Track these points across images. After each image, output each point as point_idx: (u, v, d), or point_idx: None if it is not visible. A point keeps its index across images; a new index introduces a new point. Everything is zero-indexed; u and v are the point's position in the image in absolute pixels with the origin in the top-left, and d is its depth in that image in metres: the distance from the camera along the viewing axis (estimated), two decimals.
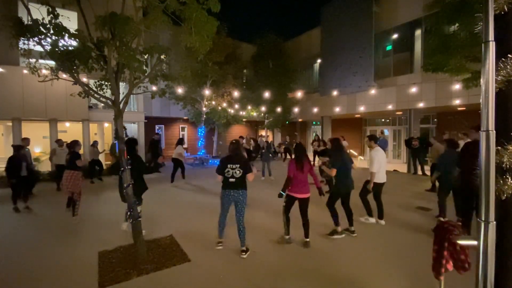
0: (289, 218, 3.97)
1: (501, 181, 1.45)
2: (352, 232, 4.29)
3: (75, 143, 5.59)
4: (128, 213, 3.47)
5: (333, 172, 4.21)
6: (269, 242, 4.02)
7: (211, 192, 7.29)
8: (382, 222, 4.81)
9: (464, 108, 10.84)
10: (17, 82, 9.15)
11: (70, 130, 12.58)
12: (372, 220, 4.89)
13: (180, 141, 8.60)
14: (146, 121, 12.90)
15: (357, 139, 15.98)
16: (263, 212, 5.48)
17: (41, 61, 3.37)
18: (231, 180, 3.59)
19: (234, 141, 3.83)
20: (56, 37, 3.14)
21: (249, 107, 15.03)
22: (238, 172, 3.59)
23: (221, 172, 3.67)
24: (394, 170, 10.59)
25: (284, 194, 3.89)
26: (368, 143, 4.85)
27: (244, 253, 3.58)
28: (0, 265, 3.43)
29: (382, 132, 11.90)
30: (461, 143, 8.27)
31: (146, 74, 3.62)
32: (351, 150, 8.20)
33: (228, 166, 3.63)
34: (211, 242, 3.97)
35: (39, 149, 11.32)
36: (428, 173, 9.68)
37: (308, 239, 3.90)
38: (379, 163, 4.58)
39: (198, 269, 3.29)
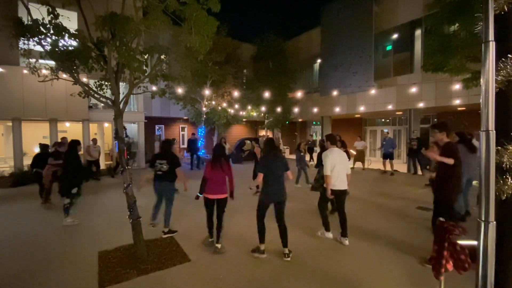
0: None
1: (501, 181, 1.45)
2: (285, 255, 3.53)
3: (61, 143, 6.44)
4: (129, 213, 3.48)
5: (259, 178, 3.62)
6: (270, 243, 4.02)
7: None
8: (346, 241, 3.95)
9: (464, 108, 10.84)
10: (17, 82, 9.15)
11: (70, 130, 12.58)
12: (329, 235, 4.18)
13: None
14: (146, 121, 12.90)
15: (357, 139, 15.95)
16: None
17: (41, 61, 3.37)
18: (159, 173, 4.31)
19: (166, 140, 4.73)
20: (56, 37, 3.15)
21: (249, 107, 15.03)
22: (165, 166, 4.28)
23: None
24: (395, 170, 10.60)
25: (200, 195, 3.85)
26: (326, 143, 4.31)
27: (164, 233, 4.24)
28: (0, 264, 3.44)
29: (388, 133, 11.92)
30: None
31: (146, 74, 3.62)
32: (351, 150, 8.19)
33: (157, 161, 4.32)
34: (211, 242, 3.98)
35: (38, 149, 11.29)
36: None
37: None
38: (332, 165, 3.93)
39: (198, 269, 3.29)
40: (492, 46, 1.31)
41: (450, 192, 3.45)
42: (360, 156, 11.34)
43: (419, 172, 9.91)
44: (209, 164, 3.84)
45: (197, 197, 3.89)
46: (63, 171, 5.09)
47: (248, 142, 14.95)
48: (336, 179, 3.95)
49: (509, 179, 1.44)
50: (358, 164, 11.39)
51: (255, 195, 6.66)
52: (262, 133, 17.86)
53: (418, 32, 11.44)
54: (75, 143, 5.13)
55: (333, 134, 4.47)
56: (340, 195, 4.03)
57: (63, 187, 4.96)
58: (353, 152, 9.50)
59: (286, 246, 3.58)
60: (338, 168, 3.96)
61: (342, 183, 3.99)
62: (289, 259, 3.49)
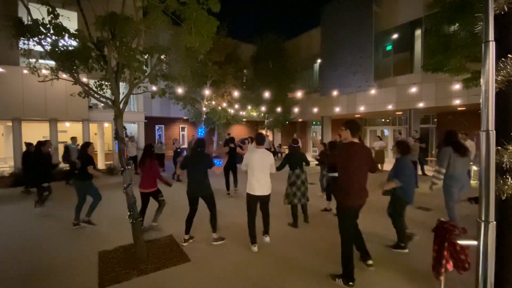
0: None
1: (501, 181, 1.45)
2: (214, 240, 3.84)
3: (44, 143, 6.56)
4: (129, 213, 3.48)
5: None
6: (270, 243, 4.02)
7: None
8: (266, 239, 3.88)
9: (464, 108, 10.84)
10: (17, 82, 9.15)
11: (70, 130, 12.58)
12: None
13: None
14: (146, 121, 12.90)
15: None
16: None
17: (41, 61, 3.36)
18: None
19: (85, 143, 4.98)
20: (56, 37, 3.15)
21: (249, 107, 15.03)
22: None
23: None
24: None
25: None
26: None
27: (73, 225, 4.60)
28: (0, 264, 3.44)
29: (400, 133, 11.80)
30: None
31: (146, 74, 3.61)
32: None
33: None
34: (211, 242, 3.97)
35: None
36: (428, 173, 9.72)
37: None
38: (251, 168, 3.70)
39: (198, 269, 3.29)
40: (492, 46, 1.31)
41: (335, 193, 3.29)
42: (379, 157, 10.54)
43: (419, 172, 9.91)
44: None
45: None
46: (31, 168, 5.99)
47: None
48: (253, 182, 3.70)
49: (509, 179, 1.44)
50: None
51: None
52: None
53: (418, 32, 11.45)
54: (40, 144, 6.06)
55: (260, 133, 4.13)
56: (254, 199, 3.78)
57: (31, 181, 6.13)
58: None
59: (267, 233, 3.96)
60: (256, 169, 3.68)
61: (260, 188, 3.71)
62: (267, 239, 3.93)
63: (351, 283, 2.83)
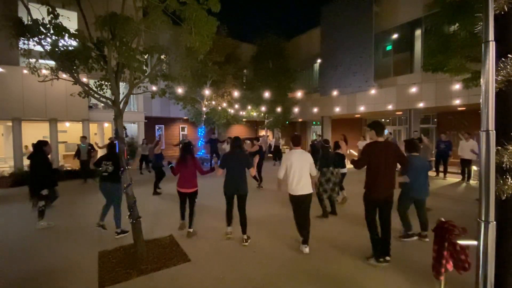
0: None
1: (501, 181, 1.45)
2: (244, 240, 3.92)
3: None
4: (129, 213, 3.48)
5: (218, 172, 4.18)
6: (270, 243, 4.02)
7: (210, 192, 7.28)
8: (306, 249, 3.66)
9: (464, 108, 10.84)
10: (17, 82, 9.15)
11: (70, 130, 12.58)
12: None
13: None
14: (146, 121, 12.90)
15: (357, 139, 15.95)
16: (269, 211, 5.48)
17: (41, 61, 3.37)
18: (104, 174, 4.37)
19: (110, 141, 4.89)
20: (56, 37, 3.15)
21: (249, 107, 15.02)
22: (110, 168, 4.35)
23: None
24: (396, 170, 10.59)
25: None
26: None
27: (117, 234, 4.28)
28: (0, 264, 3.44)
29: (391, 133, 11.87)
30: (464, 143, 8.36)
31: (146, 74, 3.61)
32: (351, 150, 8.18)
33: (103, 163, 4.39)
34: (211, 242, 3.98)
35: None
36: (432, 173, 9.69)
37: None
38: (287, 167, 3.72)
39: (198, 269, 3.29)
40: (492, 46, 1.31)
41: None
42: None
43: None
44: (178, 161, 4.37)
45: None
46: (30, 172, 5.00)
47: (248, 142, 14.95)
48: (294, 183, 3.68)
49: (509, 179, 1.44)
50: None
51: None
52: (262, 133, 17.86)
53: (418, 32, 11.44)
54: (41, 144, 4.95)
55: (297, 134, 4.12)
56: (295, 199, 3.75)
57: (31, 188, 4.89)
58: (353, 152, 9.51)
59: (245, 233, 4.00)
60: (296, 171, 3.66)
61: (301, 187, 3.68)
62: (247, 243, 3.92)
63: (381, 260, 3.30)
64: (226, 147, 7.73)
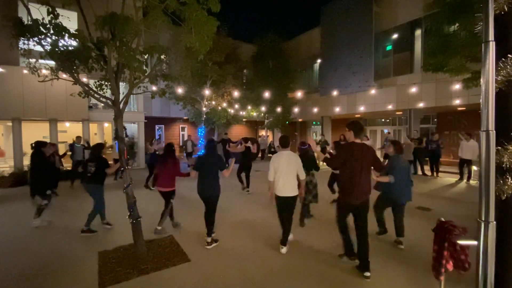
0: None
1: (501, 181, 1.45)
2: (208, 243, 3.83)
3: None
4: (129, 213, 3.49)
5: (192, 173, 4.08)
6: (270, 243, 4.02)
7: None
8: (283, 250, 3.66)
9: (464, 108, 10.84)
10: (17, 82, 9.15)
11: (70, 130, 12.57)
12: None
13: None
14: (146, 121, 12.89)
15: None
16: (267, 213, 5.48)
17: (41, 61, 3.37)
18: (88, 175, 4.44)
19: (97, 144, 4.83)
20: (56, 37, 3.15)
21: (249, 107, 15.02)
22: (92, 169, 4.41)
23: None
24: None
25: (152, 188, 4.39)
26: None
27: (83, 232, 4.32)
28: (0, 265, 3.44)
29: (389, 133, 11.93)
30: (464, 143, 8.38)
31: (146, 74, 3.61)
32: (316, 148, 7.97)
33: (88, 164, 4.47)
34: (205, 246, 3.97)
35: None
36: (428, 173, 9.74)
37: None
38: (275, 169, 3.68)
39: (198, 269, 3.29)
40: (492, 46, 1.31)
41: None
42: None
43: (419, 172, 9.91)
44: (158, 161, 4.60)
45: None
46: (31, 172, 4.96)
47: (236, 143, 14.94)
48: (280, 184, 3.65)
49: (509, 179, 1.44)
50: None
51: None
52: (262, 133, 17.87)
53: (418, 32, 11.44)
54: (39, 144, 5.01)
55: (284, 135, 4.02)
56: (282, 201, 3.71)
57: (33, 188, 4.84)
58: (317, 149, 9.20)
59: (210, 235, 3.92)
60: (283, 173, 3.62)
61: (286, 189, 3.65)
62: (209, 247, 3.83)
63: (353, 257, 3.32)
64: (240, 147, 7.62)
